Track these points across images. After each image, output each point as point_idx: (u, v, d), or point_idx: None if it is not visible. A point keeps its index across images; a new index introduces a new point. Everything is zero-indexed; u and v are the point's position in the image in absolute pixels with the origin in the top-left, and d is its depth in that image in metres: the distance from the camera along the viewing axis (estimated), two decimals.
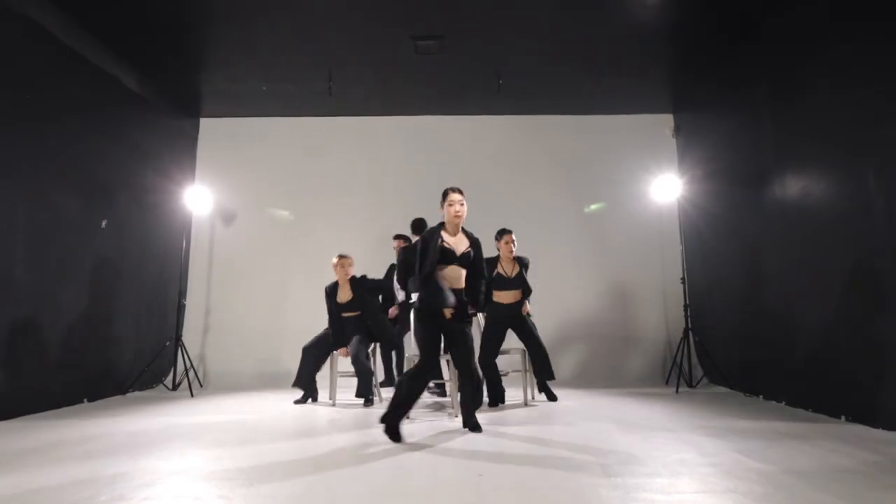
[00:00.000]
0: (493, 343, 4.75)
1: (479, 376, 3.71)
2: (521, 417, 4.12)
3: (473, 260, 3.63)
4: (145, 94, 5.88)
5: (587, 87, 6.25)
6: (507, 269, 4.86)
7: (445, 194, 3.68)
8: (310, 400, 4.92)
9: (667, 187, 6.01)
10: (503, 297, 4.82)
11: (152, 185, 5.95)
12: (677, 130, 6.76)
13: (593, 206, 6.79)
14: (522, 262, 4.91)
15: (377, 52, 5.46)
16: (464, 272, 3.60)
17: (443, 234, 3.59)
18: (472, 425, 3.55)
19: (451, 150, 6.93)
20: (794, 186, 4.45)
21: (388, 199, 6.74)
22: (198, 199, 6.18)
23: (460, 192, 3.67)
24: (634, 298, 6.57)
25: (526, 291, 4.87)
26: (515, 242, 4.87)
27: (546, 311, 5.42)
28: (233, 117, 6.94)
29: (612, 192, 6.76)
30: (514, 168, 6.89)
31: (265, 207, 6.86)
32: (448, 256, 3.52)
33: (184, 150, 6.75)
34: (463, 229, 3.70)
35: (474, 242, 3.68)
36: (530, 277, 4.92)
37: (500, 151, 6.94)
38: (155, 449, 3.09)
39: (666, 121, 6.84)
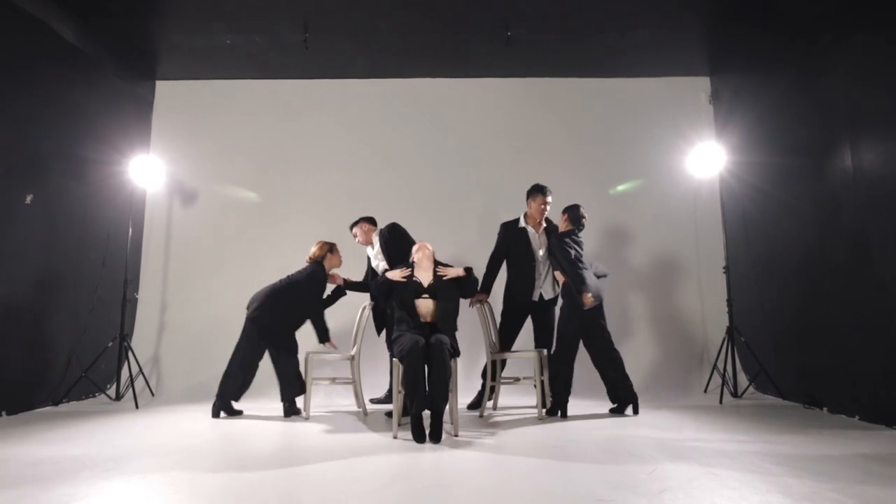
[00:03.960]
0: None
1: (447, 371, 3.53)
2: (535, 438, 3.52)
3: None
4: (84, 47, 5.30)
5: (609, 43, 5.72)
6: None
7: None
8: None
9: (705, 159, 5.39)
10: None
11: (94, 155, 5.36)
12: (715, 94, 6.18)
13: (620, 187, 6.19)
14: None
15: None
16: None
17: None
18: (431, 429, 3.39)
19: (449, 118, 6.38)
20: (870, 152, 3.89)
21: (374, 176, 6.20)
22: (152, 174, 5.57)
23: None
24: (665, 291, 5.99)
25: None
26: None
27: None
28: (193, 79, 6.39)
29: (639, 167, 6.18)
30: (524, 140, 6.33)
31: (231, 185, 6.29)
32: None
33: (136, 116, 6.15)
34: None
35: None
36: None
37: (508, 121, 6.38)
38: (59, 481, 2.53)
39: (702, 84, 6.28)
